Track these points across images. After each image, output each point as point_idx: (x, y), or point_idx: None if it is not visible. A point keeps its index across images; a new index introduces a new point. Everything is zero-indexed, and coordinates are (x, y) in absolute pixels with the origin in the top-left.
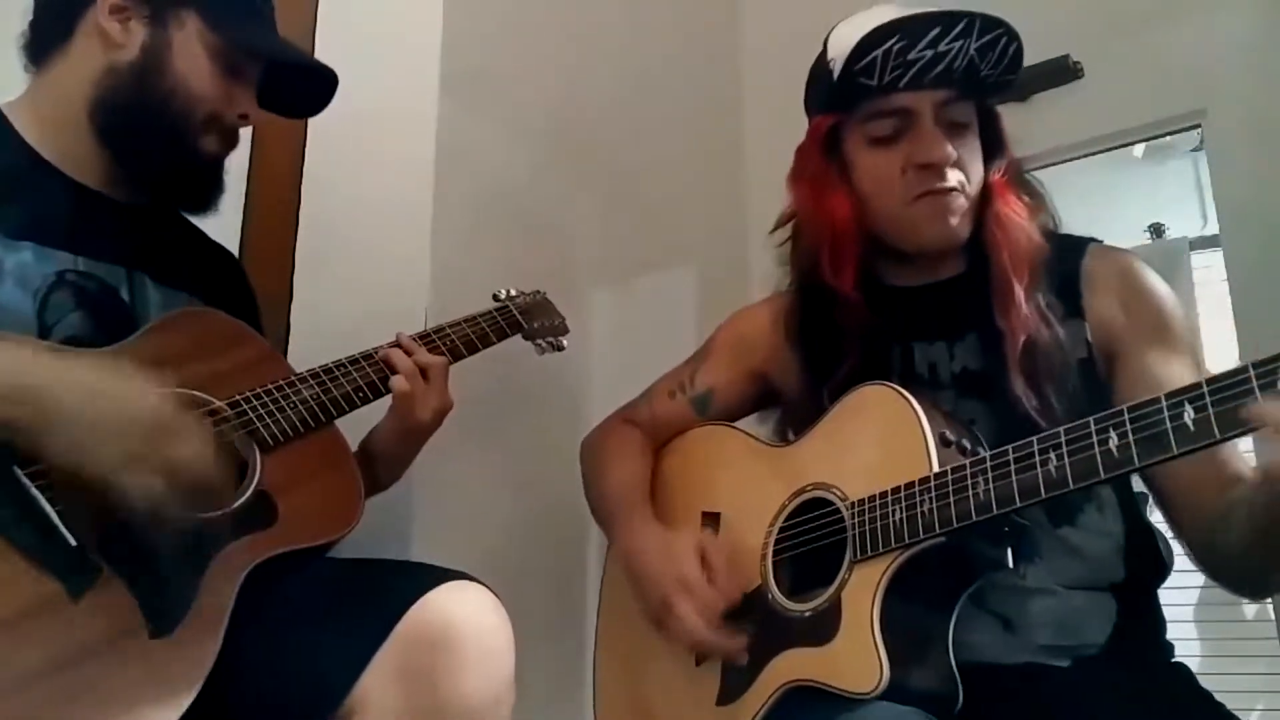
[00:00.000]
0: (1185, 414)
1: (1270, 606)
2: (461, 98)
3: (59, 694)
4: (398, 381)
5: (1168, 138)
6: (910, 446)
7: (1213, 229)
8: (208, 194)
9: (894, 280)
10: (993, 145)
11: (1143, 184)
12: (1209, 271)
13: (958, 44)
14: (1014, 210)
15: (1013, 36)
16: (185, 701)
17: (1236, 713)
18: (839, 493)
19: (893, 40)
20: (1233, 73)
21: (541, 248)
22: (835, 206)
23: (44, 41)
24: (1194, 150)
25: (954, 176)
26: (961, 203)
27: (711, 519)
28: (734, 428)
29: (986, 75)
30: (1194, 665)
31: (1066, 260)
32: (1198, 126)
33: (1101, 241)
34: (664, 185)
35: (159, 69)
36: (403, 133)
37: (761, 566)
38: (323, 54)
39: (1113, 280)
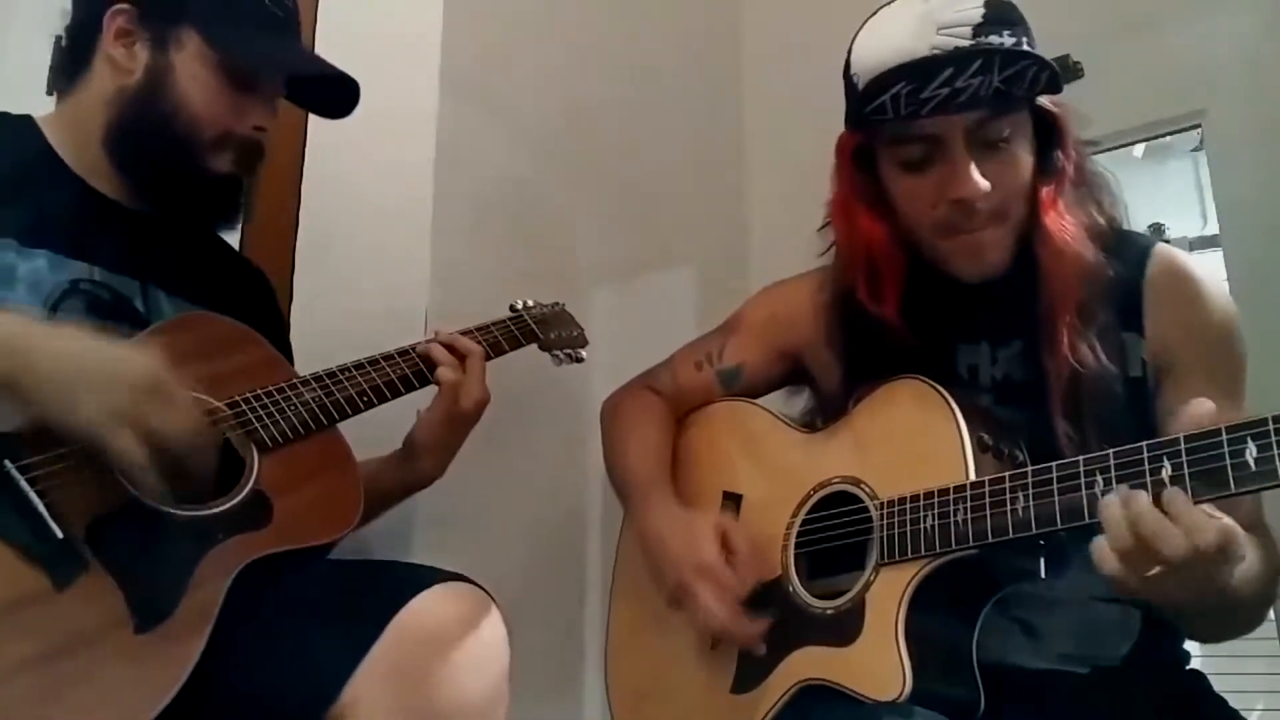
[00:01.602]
0: (1247, 451)
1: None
2: (461, 98)
3: (41, 687)
4: (444, 372)
5: (1168, 138)
6: (946, 448)
7: (1213, 229)
8: (222, 212)
9: (943, 270)
10: (1047, 148)
11: (1143, 184)
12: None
13: (977, 79)
14: (1063, 229)
15: (1043, 65)
16: (165, 698)
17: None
18: (868, 489)
19: (899, 86)
20: (1233, 73)
21: (541, 248)
22: (869, 229)
23: (68, 67)
24: (1194, 150)
25: (989, 206)
26: (998, 236)
27: (732, 500)
28: (762, 407)
29: (1021, 96)
30: (1193, 665)
31: (1129, 267)
32: (1198, 126)
33: (1168, 241)
34: (664, 185)
35: (160, 91)
36: (403, 133)
37: (783, 556)
38: (322, 54)
39: (1176, 297)
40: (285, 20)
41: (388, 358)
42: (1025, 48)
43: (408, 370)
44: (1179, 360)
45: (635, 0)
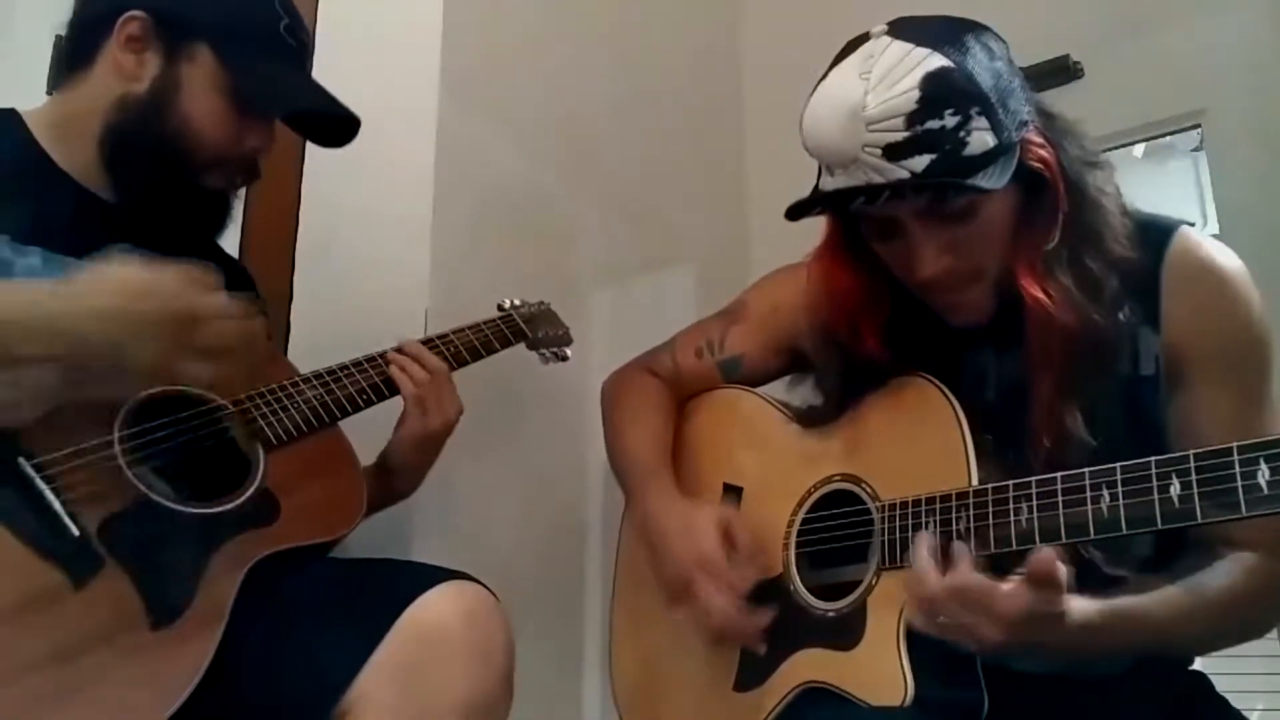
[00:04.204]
0: (1260, 473)
1: None
2: (461, 98)
3: (58, 684)
4: (406, 384)
5: (1168, 138)
6: (949, 450)
7: (1213, 229)
8: (211, 224)
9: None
10: (1034, 202)
11: (1143, 184)
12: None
13: (896, 199)
14: (1041, 298)
15: (960, 189)
16: (181, 695)
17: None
18: (869, 489)
19: (820, 206)
20: (1233, 73)
21: (541, 248)
22: (846, 285)
23: (69, 60)
24: (1194, 150)
25: (958, 274)
26: (977, 292)
27: (733, 492)
28: (765, 397)
29: (956, 200)
30: (1195, 666)
31: (1148, 253)
32: (1198, 126)
33: (1192, 224)
34: (664, 185)
35: (166, 106)
36: (403, 133)
37: (784, 555)
38: (323, 54)
39: (1195, 290)
40: (298, 50)
41: (385, 355)
42: (952, 145)
43: None
44: (1200, 366)
45: (635, 1)
